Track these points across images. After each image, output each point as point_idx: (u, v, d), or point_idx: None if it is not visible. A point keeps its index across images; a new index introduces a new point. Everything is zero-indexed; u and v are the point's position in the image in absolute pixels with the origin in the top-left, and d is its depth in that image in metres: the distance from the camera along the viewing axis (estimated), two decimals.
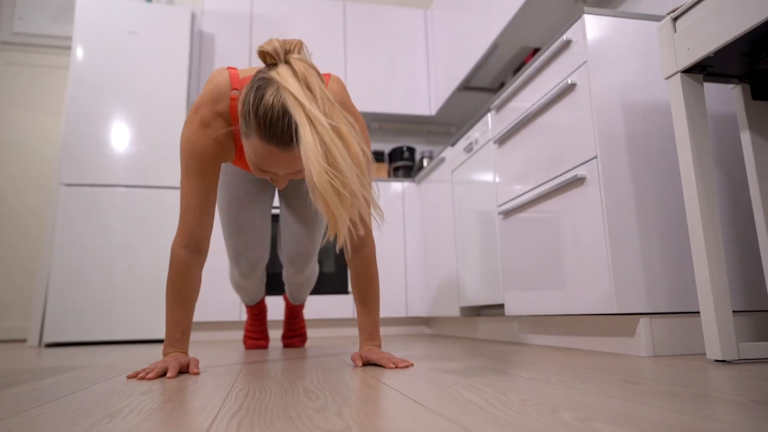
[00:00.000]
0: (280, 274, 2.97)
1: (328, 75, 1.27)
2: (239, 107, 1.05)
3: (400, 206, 3.28)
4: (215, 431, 0.57)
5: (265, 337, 2.09)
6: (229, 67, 1.22)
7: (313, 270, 1.88)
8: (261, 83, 0.99)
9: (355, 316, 3.07)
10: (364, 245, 1.32)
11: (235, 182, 1.62)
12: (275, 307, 2.96)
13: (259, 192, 1.67)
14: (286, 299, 2.10)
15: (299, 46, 1.03)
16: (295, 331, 2.14)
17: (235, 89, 1.19)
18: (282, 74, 0.98)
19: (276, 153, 1.00)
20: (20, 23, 3.87)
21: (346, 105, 1.25)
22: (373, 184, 1.06)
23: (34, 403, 0.79)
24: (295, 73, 0.98)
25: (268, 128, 0.97)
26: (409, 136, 4.10)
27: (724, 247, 1.46)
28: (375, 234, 3.20)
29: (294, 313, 2.13)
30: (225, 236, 1.69)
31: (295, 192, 1.70)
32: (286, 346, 2.12)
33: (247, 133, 1.01)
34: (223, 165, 1.59)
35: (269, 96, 0.96)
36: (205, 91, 1.19)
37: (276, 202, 3.02)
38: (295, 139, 0.97)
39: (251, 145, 1.02)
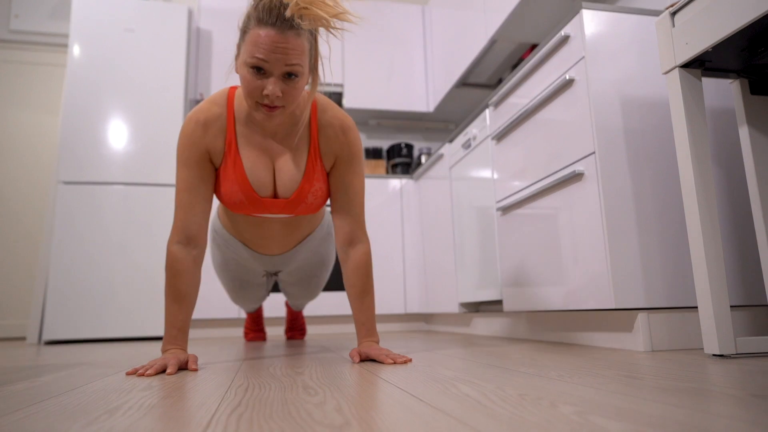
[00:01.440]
0: None
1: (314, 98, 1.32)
2: (239, 24, 1.15)
3: (398, 203, 3.28)
4: (215, 426, 0.57)
5: (263, 331, 2.37)
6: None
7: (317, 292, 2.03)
8: None
9: None
10: (359, 241, 1.32)
11: (233, 266, 1.71)
12: (277, 304, 2.97)
13: (258, 278, 1.80)
14: (287, 305, 2.37)
15: None
16: (296, 327, 2.42)
17: (234, 88, 1.30)
18: None
19: (273, 36, 1.09)
20: (17, 21, 3.86)
21: (347, 134, 1.34)
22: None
23: (33, 399, 0.79)
24: None
25: (267, 12, 1.08)
26: (407, 133, 4.09)
27: (722, 242, 1.47)
28: (374, 230, 3.20)
29: (295, 315, 2.40)
30: (224, 288, 1.89)
31: (293, 279, 1.85)
32: (289, 338, 2.42)
33: (245, 30, 1.12)
34: (224, 249, 1.66)
35: None
36: (204, 100, 1.31)
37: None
38: (290, 24, 1.08)
39: (250, 40, 1.10)
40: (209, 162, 1.28)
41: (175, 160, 3.03)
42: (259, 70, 1.11)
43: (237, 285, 1.79)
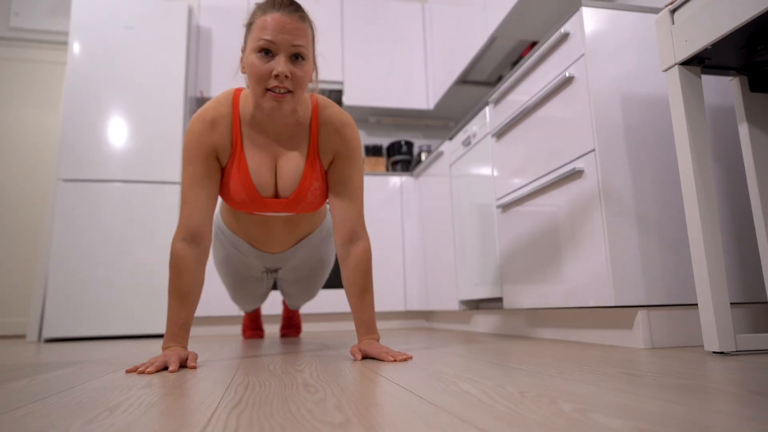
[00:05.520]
0: None
1: (314, 99, 1.35)
2: (244, 21, 1.24)
3: (398, 200, 3.28)
4: (215, 424, 0.57)
5: (261, 329, 2.41)
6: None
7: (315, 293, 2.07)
8: None
9: None
10: (359, 238, 1.32)
11: (234, 261, 1.73)
12: (275, 302, 2.97)
13: (257, 273, 1.82)
14: (284, 304, 2.38)
15: None
16: (292, 325, 2.45)
17: (239, 90, 1.31)
18: None
19: (279, 18, 1.15)
20: (17, 19, 3.85)
21: (347, 134, 1.34)
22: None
23: (33, 397, 0.79)
24: None
25: (271, 2, 1.16)
26: (407, 130, 4.09)
27: (722, 239, 1.47)
28: (374, 228, 3.20)
29: (291, 313, 2.44)
30: (224, 285, 1.91)
31: (292, 278, 1.89)
32: (283, 335, 2.44)
33: (251, 22, 1.18)
34: (227, 244, 1.68)
35: None
36: (211, 100, 1.31)
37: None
38: (296, 8, 1.17)
39: (257, 27, 1.16)
40: (215, 160, 1.29)
41: (176, 157, 3.03)
42: (267, 52, 1.16)
43: (238, 281, 1.82)
